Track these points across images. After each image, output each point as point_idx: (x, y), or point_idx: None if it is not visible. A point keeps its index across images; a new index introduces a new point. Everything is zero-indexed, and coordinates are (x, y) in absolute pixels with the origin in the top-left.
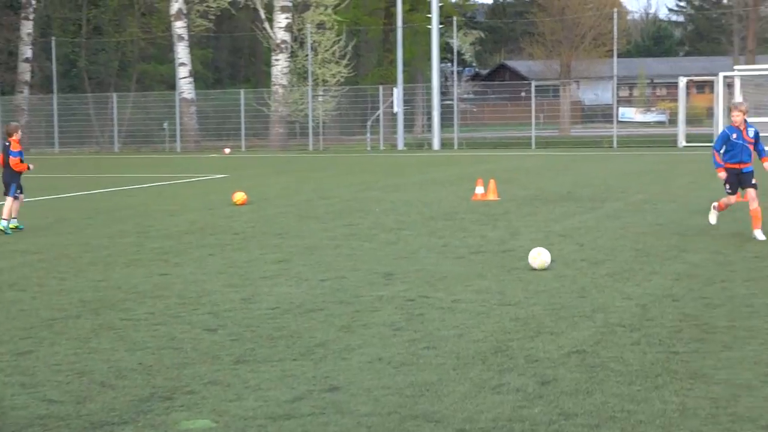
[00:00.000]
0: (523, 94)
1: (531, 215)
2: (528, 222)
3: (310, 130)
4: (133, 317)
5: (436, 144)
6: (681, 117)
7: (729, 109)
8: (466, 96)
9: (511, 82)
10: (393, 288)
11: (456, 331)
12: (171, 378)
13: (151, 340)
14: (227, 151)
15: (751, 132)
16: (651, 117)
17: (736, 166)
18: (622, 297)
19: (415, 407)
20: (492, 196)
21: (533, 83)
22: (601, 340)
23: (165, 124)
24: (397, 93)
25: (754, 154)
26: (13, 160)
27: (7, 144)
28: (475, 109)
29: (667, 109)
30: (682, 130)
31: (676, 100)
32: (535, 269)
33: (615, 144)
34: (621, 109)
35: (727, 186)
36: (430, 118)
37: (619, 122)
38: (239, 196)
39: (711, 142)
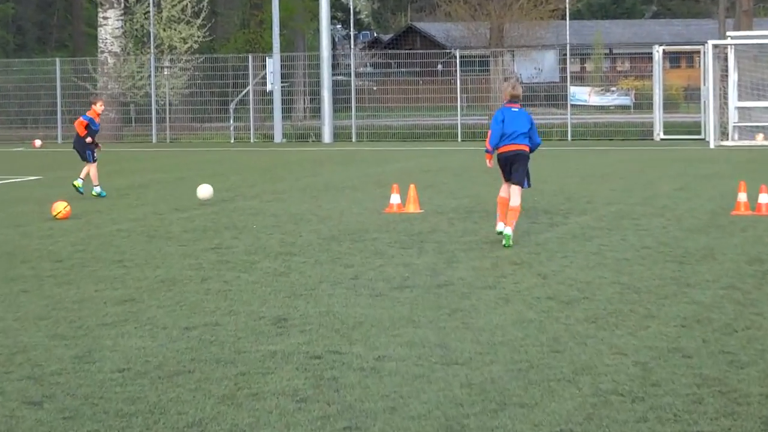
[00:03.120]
0: (439, 66)
1: (469, 234)
2: (466, 243)
3: (153, 115)
4: None
5: (326, 135)
6: (658, 99)
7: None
8: (362, 70)
9: (423, 50)
10: (289, 339)
11: (386, 403)
12: None
13: None
14: (38, 143)
15: None
16: (610, 99)
17: None
18: (612, 351)
19: None
20: (413, 208)
21: (457, 52)
22: (592, 415)
23: None
24: (272, 64)
25: None
26: (79, 122)
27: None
28: (375, 88)
29: (631, 89)
30: (658, 117)
31: (642, 77)
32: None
33: (569, 135)
34: (571, 89)
35: None
36: (315, 100)
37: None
38: (60, 207)
39: (696, 131)
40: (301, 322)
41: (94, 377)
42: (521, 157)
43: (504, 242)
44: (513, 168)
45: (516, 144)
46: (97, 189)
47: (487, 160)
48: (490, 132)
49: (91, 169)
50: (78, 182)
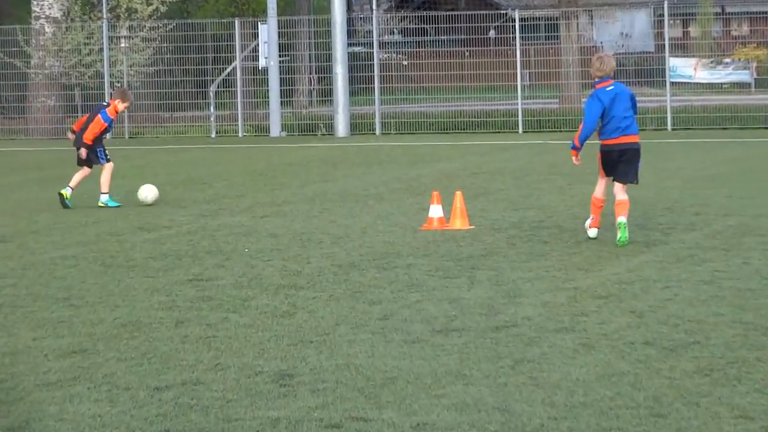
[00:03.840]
0: (492, 33)
1: (537, 258)
2: (533, 271)
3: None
4: None
5: (341, 126)
6: None
7: None
8: (389, 38)
9: (469, 11)
10: (296, 402)
11: None
12: None
13: None
14: None
15: None
16: (724, 75)
17: None
18: (734, 415)
19: None
20: (460, 223)
21: (516, 13)
22: None
23: None
24: (266, 32)
25: None
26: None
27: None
28: (405, 62)
29: (752, 60)
30: None
31: (766, 44)
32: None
33: (669, 124)
34: (671, 61)
35: None
36: (325, 80)
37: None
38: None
39: None
40: (311, 378)
41: None
42: (633, 151)
43: (619, 236)
44: (622, 165)
45: (626, 135)
46: (105, 198)
47: (574, 158)
48: (582, 125)
49: (104, 173)
50: (67, 191)
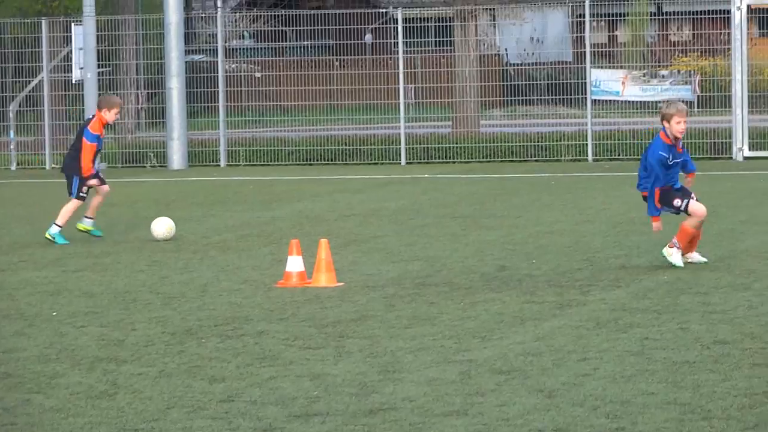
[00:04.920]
0: (368, 37)
1: (421, 323)
2: (416, 339)
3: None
4: None
5: (176, 156)
6: (739, 91)
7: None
8: (238, 44)
9: (341, 10)
10: None
11: None
12: None
13: None
14: None
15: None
16: (659, 91)
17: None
18: None
19: None
20: (325, 279)
21: (399, 12)
22: None
23: None
24: (81, 36)
25: None
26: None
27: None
28: (258, 74)
29: (694, 72)
30: (741, 120)
31: (712, 52)
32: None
33: (590, 153)
34: (594, 74)
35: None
36: (157, 96)
37: (593, 103)
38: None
39: None
40: None
41: None
42: None
43: None
44: None
45: None
46: (57, 231)
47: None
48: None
49: (69, 206)
50: (86, 224)
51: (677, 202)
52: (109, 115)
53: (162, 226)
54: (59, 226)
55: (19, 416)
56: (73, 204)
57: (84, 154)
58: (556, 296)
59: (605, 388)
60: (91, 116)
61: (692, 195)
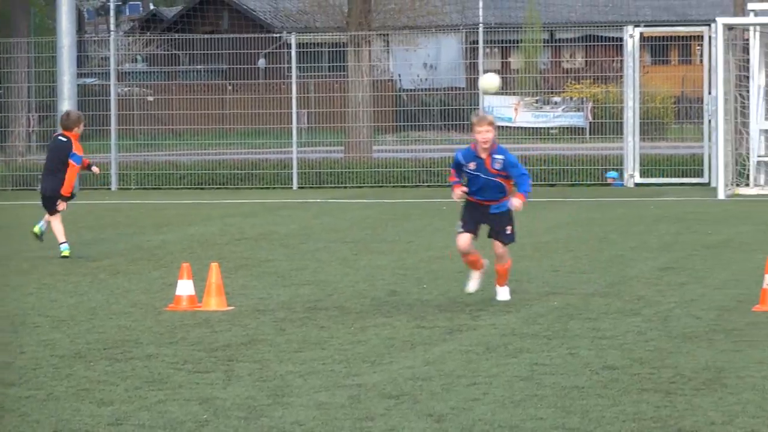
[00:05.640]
0: (262, 62)
1: (311, 347)
2: (306, 363)
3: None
4: None
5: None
6: (631, 118)
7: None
8: (130, 67)
9: (235, 34)
10: None
11: None
12: None
13: None
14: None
15: (498, 163)
16: (551, 117)
17: (481, 203)
18: None
19: None
20: (215, 303)
21: (293, 37)
22: None
23: None
24: None
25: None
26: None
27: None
28: (151, 98)
29: (587, 99)
30: (632, 147)
31: (605, 79)
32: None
33: None
34: (486, 100)
35: (460, 223)
36: (48, 119)
37: None
38: None
39: (696, 172)
40: None
41: None
42: None
43: None
44: None
45: None
46: (65, 246)
47: None
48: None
49: (56, 223)
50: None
51: (458, 224)
52: (79, 131)
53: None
54: (64, 241)
55: None
56: (57, 218)
57: (70, 177)
58: (447, 321)
59: (494, 413)
60: (62, 138)
61: (474, 227)
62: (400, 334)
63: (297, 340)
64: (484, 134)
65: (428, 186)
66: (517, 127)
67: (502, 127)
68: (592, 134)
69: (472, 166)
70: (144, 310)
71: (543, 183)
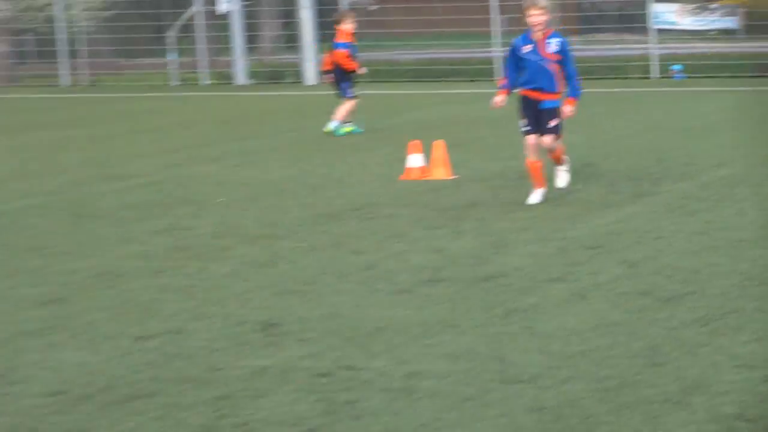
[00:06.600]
0: None
1: (522, 209)
2: (519, 222)
3: (62, 48)
4: None
5: (309, 74)
6: None
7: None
8: None
9: None
10: (284, 351)
11: None
12: None
13: None
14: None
15: (554, 46)
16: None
17: (533, 94)
18: (735, 364)
19: None
20: (441, 173)
21: None
22: None
23: None
24: None
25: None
26: (338, 54)
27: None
28: (374, 6)
29: (738, 5)
30: None
31: None
32: None
33: (656, 71)
34: (654, 7)
35: (525, 121)
36: (290, 24)
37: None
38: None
39: None
40: (299, 328)
41: (19, 402)
42: None
43: None
44: None
45: None
46: (334, 125)
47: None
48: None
49: (344, 105)
50: (332, 126)
51: (522, 122)
52: (349, 26)
53: None
54: (347, 120)
55: (199, 280)
56: (347, 104)
57: (339, 60)
58: (633, 188)
59: (678, 260)
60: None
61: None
62: (594, 199)
63: (510, 203)
64: (534, 17)
65: (611, 78)
66: (682, 29)
67: (667, 29)
68: (746, 34)
69: (526, 49)
70: (381, 179)
71: (706, 75)
